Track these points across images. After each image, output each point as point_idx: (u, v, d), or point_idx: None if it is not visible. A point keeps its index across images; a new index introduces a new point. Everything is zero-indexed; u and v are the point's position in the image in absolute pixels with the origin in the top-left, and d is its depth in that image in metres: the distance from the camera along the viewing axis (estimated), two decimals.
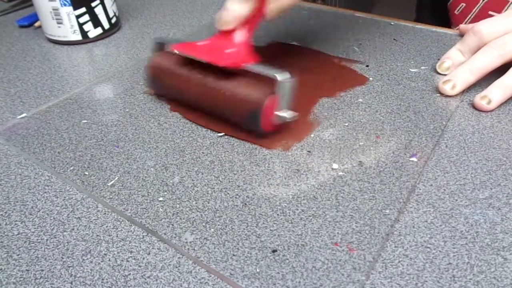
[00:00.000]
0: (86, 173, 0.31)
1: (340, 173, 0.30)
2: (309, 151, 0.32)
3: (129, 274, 0.24)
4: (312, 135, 0.34)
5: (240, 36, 0.33)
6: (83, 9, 0.48)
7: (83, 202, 0.29)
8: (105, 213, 0.28)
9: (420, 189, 0.29)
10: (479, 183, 0.29)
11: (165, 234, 0.26)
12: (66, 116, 0.37)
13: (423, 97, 0.38)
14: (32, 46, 0.50)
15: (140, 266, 0.24)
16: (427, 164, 0.31)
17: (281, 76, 0.30)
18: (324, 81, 0.40)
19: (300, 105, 0.37)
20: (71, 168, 0.32)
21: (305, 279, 0.23)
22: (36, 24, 0.55)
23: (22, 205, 0.29)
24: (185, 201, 0.28)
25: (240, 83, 0.32)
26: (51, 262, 0.25)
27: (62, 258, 0.25)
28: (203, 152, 0.32)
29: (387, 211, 0.27)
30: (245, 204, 0.28)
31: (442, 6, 0.61)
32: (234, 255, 0.25)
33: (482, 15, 0.53)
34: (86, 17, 0.48)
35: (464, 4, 0.55)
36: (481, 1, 0.53)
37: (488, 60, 0.36)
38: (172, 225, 0.27)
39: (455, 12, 0.57)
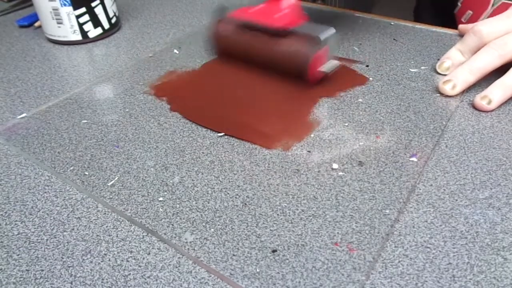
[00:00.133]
0: (86, 173, 0.31)
1: (340, 173, 0.30)
2: (309, 151, 0.32)
3: (129, 274, 0.24)
4: (312, 135, 0.34)
5: (286, 2, 0.40)
6: (83, 9, 0.48)
7: (83, 202, 0.29)
8: (105, 213, 0.28)
9: (420, 189, 0.29)
10: (479, 183, 0.29)
11: (165, 234, 0.26)
12: (66, 116, 0.37)
13: (423, 97, 0.38)
14: (32, 46, 0.50)
15: (140, 266, 0.24)
16: (427, 164, 0.31)
17: (323, 35, 0.37)
18: (324, 81, 0.40)
19: (300, 105, 0.37)
20: (71, 168, 0.32)
21: (305, 279, 0.23)
22: (36, 24, 0.55)
23: (22, 205, 0.29)
24: (185, 201, 0.28)
25: (290, 42, 0.38)
26: (51, 262, 0.25)
27: (62, 258, 0.25)
28: (203, 152, 0.32)
29: (387, 211, 0.27)
30: (245, 204, 0.28)
31: (440, 9, 0.61)
32: (234, 255, 0.25)
33: None
34: (86, 17, 0.48)
35: (471, 12, 0.55)
36: (489, 9, 0.53)
37: (488, 60, 0.36)
38: (172, 225, 0.27)
39: (462, 19, 0.57)
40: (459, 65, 0.39)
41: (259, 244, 0.25)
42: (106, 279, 0.24)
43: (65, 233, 0.27)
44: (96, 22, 0.49)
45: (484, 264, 0.24)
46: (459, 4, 0.58)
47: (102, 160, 0.32)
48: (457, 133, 0.33)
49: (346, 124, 0.35)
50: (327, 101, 0.38)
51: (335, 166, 0.30)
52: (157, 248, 0.25)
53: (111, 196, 0.29)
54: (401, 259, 0.24)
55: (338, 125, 0.35)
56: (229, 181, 0.30)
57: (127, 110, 0.38)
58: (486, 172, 0.30)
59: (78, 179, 0.31)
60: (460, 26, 0.47)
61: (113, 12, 0.51)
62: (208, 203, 0.28)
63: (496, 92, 0.35)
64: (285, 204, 0.28)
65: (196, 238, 0.26)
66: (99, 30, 0.50)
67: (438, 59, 0.42)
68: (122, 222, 0.27)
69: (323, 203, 0.28)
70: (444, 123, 0.34)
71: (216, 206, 0.28)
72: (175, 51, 0.47)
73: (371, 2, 2.07)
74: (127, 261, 0.25)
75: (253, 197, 0.28)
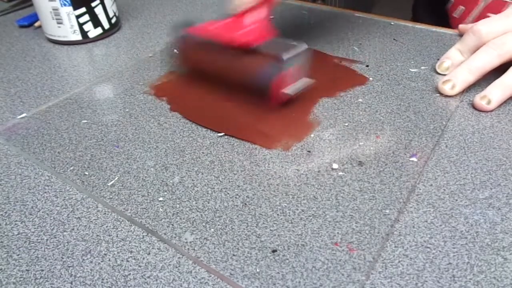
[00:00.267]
0: (86, 173, 0.31)
1: (340, 173, 0.30)
2: (309, 151, 0.32)
3: (129, 274, 0.24)
4: (312, 135, 0.34)
5: (250, 19, 0.36)
6: (83, 9, 0.48)
7: (83, 202, 0.29)
8: (105, 213, 0.28)
9: (420, 189, 0.29)
10: (479, 183, 0.29)
11: (165, 234, 0.26)
12: (66, 116, 0.37)
13: (423, 97, 0.38)
14: (32, 46, 0.50)
15: (140, 266, 0.24)
16: (427, 164, 0.31)
17: (287, 55, 0.33)
18: (324, 81, 0.40)
19: (300, 105, 0.37)
20: (71, 168, 0.32)
21: (305, 279, 0.23)
22: (36, 24, 0.55)
23: (22, 205, 0.29)
24: (185, 201, 0.28)
25: (251, 62, 0.35)
26: (51, 262, 0.25)
27: (62, 258, 0.25)
28: (203, 152, 0.32)
29: (387, 211, 0.27)
30: (245, 204, 0.28)
31: (437, 6, 0.61)
32: (234, 255, 0.25)
33: (482, 18, 0.53)
34: (86, 17, 0.48)
35: (463, 8, 0.55)
36: (480, 4, 0.53)
37: (487, 60, 0.37)
38: (172, 225, 0.27)
39: (454, 15, 0.57)
40: (459, 65, 0.39)
41: (259, 244, 0.25)
42: (106, 279, 0.24)
43: (65, 233, 0.27)
44: (96, 22, 0.49)
45: (484, 264, 0.24)
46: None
47: (102, 160, 0.32)
48: (457, 133, 0.33)
49: (346, 124, 0.35)
50: (327, 101, 0.38)
51: (335, 166, 0.31)
52: (157, 248, 0.25)
53: (111, 196, 0.29)
54: (401, 259, 0.24)
55: (338, 125, 0.35)
56: (229, 181, 0.30)
57: (127, 110, 0.38)
58: (486, 172, 0.30)
59: (78, 179, 0.31)
60: (460, 26, 0.47)
61: (113, 12, 0.51)
62: (208, 203, 0.28)
63: (495, 92, 0.35)
64: (285, 204, 0.28)
65: (196, 238, 0.26)
66: (99, 30, 0.50)
67: (438, 59, 0.42)
68: (122, 222, 0.27)
69: (323, 203, 0.28)
70: (444, 123, 0.34)
71: (216, 206, 0.28)
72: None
73: (371, 2, 2.07)
74: (127, 261, 0.25)
75: (253, 197, 0.28)
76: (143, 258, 0.25)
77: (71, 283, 0.24)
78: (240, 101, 0.38)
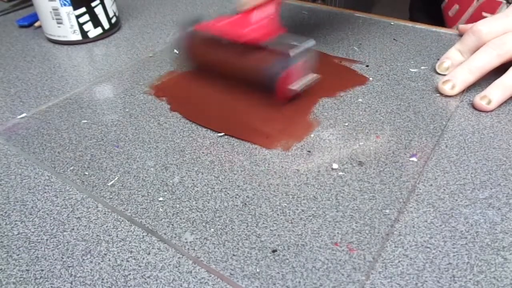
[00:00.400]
0: (86, 173, 0.31)
1: (340, 173, 0.30)
2: (309, 151, 0.32)
3: (129, 274, 0.24)
4: (312, 135, 0.34)
5: (258, 15, 0.37)
6: (83, 9, 0.48)
7: (83, 202, 0.29)
8: (105, 213, 0.28)
9: (420, 189, 0.29)
10: (479, 183, 0.29)
11: (165, 234, 0.26)
12: (66, 116, 0.37)
13: (423, 97, 0.38)
14: (32, 46, 0.50)
15: (140, 266, 0.24)
16: (427, 164, 0.31)
17: (294, 51, 0.34)
18: (324, 81, 0.40)
19: (300, 105, 0.37)
20: (71, 168, 0.32)
21: (305, 279, 0.23)
22: (36, 24, 0.55)
23: (22, 205, 0.29)
24: (185, 201, 0.28)
25: (258, 58, 0.36)
26: (51, 262, 0.25)
27: (62, 258, 0.25)
28: (203, 152, 0.32)
29: (387, 211, 0.27)
30: (245, 204, 0.28)
31: (431, 6, 0.61)
32: (234, 255, 0.25)
33: (476, 17, 0.53)
34: (86, 17, 0.48)
35: (457, 6, 0.55)
36: (474, 3, 0.53)
37: (487, 60, 0.37)
38: (172, 225, 0.27)
39: (449, 14, 0.57)
40: (459, 65, 0.39)
41: (259, 244, 0.25)
42: (106, 279, 0.24)
43: (65, 233, 0.27)
44: (96, 22, 0.49)
45: (484, 264, 0.24)
46: None
47: (102, 160, 0.32)
48: (457, 133, 0.33)
49: (346, 124, 0.35)
50: (327, 101, 0.38)
51: (335, 166, 0.31)
52: (157, 248, 0.25)
53: (111, 196, 0.29)
54: (401, 259, 0.24)
55: (338, 125, 0.35)
56: (229, 181, 0.30)
57: (127, 110, 0.38)
58: (486, 172, 0.30)
59: (78, 179, 0.31)
60: (460, 26, 0.47)
61: (113, 12, 0.51)
62: (208, 203, 0.28)
63: (495, 92, 0.35)
64: (285, 204, 0.28)
65: (196, 238, 0.26)
66: (99, 30, 0.50)
67: (438, 59, 0.42)
68: (122, 222, 0.27)
69: (323, 203, 0.28)
70: (444, 123, 0.34)
71: (216, 206, 0.28)
72: (175, 51, 0.47)
73: (371, 2, 2.07)
74: (127, 261, 0.25)
75: (253, 197, 0.28)
76: (143, 258, 0.25)
77: (71, 283, 0.24)
78: (241, 101, 0.38)
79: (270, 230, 0.26)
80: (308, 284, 0.23)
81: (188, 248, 0.25)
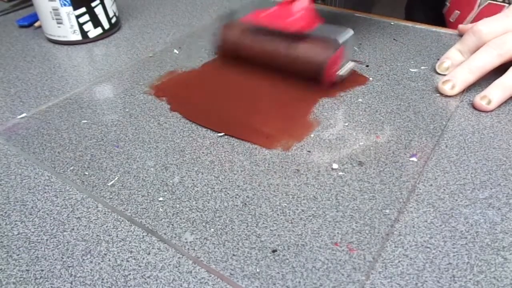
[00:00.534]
0: (86, 173, 0.31)
1: (340, 173, 0.30)
2: (309, 151, 0.32)
3: (129, 274, 0.24)
4: (312, 135, 0.34)
5: (299, 5, 0.39)
6: (83, 9, 0.48)
7: (83, 202, 0.29)
8: (105, 213, 0.28)
9: (420, 189, 0.29)
10: (479, 183, 0.29)
11: (165, 234, 0.26)
12: (66, 116, 0.37)
13: (423, 97, 0.38)
14: (32, 46, 0.50)
15: (140, 266, 0.24)
16: (427, 164, 0.31)
17: (341, 38, 0.37)
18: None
19: (300, 105, 0.37)
20: (71, 168, 0.32)
21: (305, 279, 0.23)
22: (36, 24, 0.55)
23: (22, 205, 0.29)
24: (185, 201, 0.28)
25: (305, 46, 0.38)
26: (51, 262, 0.25)
27: (62, 258, 0.25)
28: (203, 152, 0.32)
29: (387, 211, 0.27)
30: (245, 204, 0.28)
31: (431, 11, 0.62)
32: (234, 255, 0.25)
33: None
34: (86, 17, 0.48)
35: (458, 12, 0.55)
36: (475, 8, 0.53)
37: (487, 60, 0.37)
38: (172, 225, 0.27)
39: (450, 19, 0.57)
40: (459, 65, 0.39)
41: (259, 244, 0.25)
42: (106, 279, 0.24)
43: (65, 233, 0.27)
44: (96, 22, 0.49)
45: (484, 264, 0.24)
46: (447, 3, 0.58)
47: (102, 160, 0.32)
48: (457, 133, 0.33)
49: (346, 124, 0.35)
50: (327, 101, 0.38)
51: (335, 166, 0.30)
52: (157, 248, 0.25)
53: (111, 196, 0.29)
54: (401, 259, 0.24)
55: (338, 125, 0.35)
56: (229, 181, 0.30)
57: (127, 110, 0.38)
58: (486, 172, 0.30)
59: (78, 179, 0.31)
60: (460, 26, 0.47)
61: (113, 12, 0.51)
62: (208, 203, 0.28)
63: (495, 92, 0.35)
64: (285, 204, 0.28)
65: (196, 238, 0.26)
66: (99, 30, 0.50)
67: (438, 59, 0.42)
68: (122, 222, 0.27)
69: (323, 203, 0.28)
70: (444, 123, 0.34)
71: (216, 206, 0.28)
72: (175, 51, 0.47)
73: (371, 2, 2.07)
74: (127, 261, 0.25)
75: (253, 197, 0.28)
76: (143, 258, 0.25)
77: (71, 283, 0.24)
78: (241, 101, 0.38)
79: (270, 230, 0.26)
80: (308, 284, 0.23)
81: (188, 248, 0.25)
